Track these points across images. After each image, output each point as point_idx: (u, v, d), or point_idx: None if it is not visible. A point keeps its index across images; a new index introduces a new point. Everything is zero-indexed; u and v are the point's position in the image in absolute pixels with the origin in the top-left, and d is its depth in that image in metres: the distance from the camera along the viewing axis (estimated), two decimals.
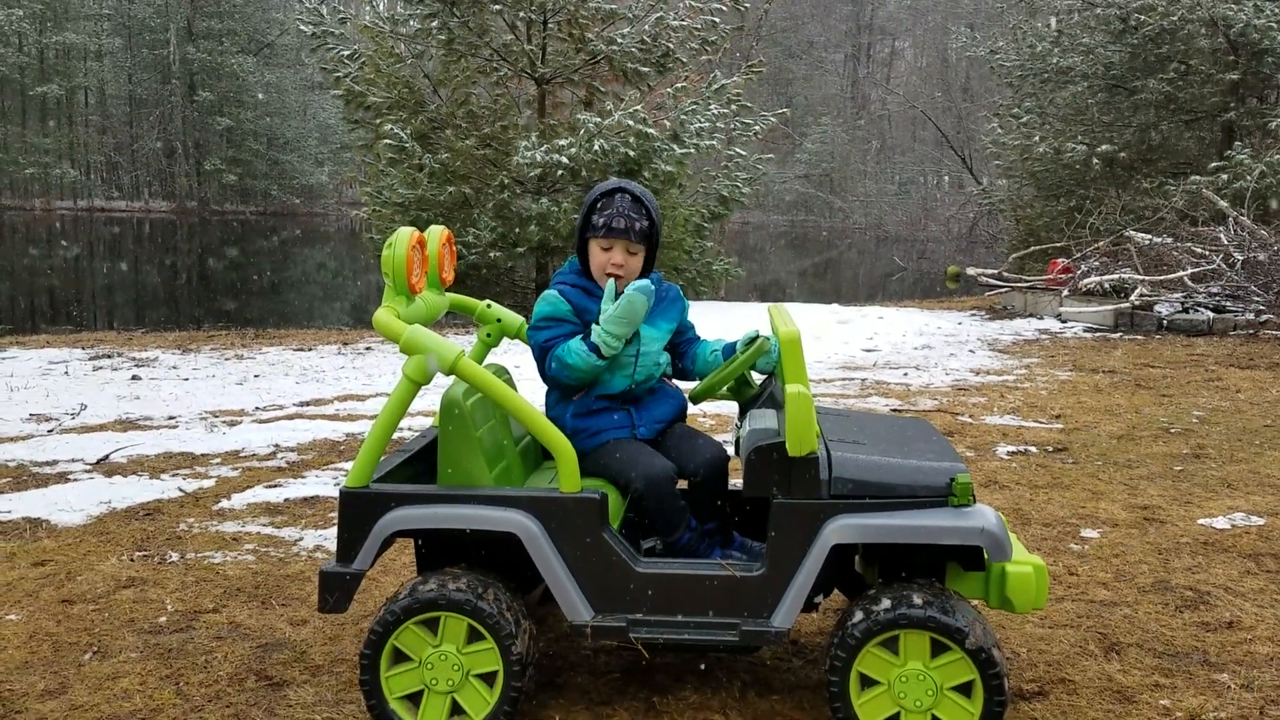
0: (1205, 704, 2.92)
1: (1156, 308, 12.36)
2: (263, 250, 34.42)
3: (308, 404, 7.76)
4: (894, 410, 7.27)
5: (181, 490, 5.21)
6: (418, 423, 6.66)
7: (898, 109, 56.14)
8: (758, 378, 3.28)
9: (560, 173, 12.63)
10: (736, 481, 3.00)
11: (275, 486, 5.27)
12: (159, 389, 8.31)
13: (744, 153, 16.22)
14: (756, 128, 15.86)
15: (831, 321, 13.11)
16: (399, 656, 2.72)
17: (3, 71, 47.23)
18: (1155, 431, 6.51)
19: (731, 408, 5.63)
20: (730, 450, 3.16)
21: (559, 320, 3.01)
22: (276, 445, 6.25)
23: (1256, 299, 12.36)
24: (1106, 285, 13.37)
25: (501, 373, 3.14)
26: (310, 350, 10.91)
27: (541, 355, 3.00)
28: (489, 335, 3.38)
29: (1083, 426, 6.70)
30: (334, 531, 3.56)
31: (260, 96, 51.62)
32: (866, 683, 2.62)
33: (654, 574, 2.71)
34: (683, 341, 3.27)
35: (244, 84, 51.05)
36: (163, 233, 40.57)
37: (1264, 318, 11.90)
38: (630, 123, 12.37)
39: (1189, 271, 12.92)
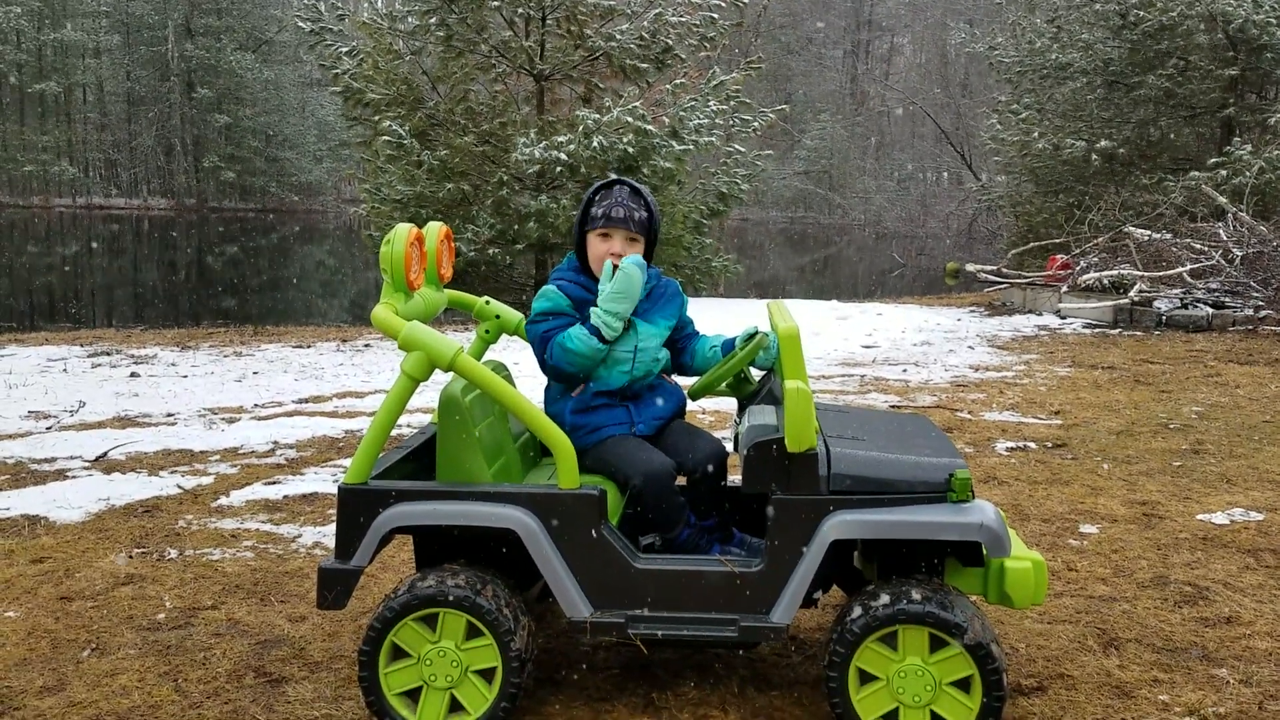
0: (1204, 699, 2.92)
1: (1156, 304, 12.36)
2: (261, 247, 34.39)
3: (306, 401, 7.76)
4: (893, 406, 7.27)
5: (180, 487, 5.21)
6: (417, 419, 6.66)
7: (897, 105, 56.10)
8: (757, 374, 3.27)
9: (559, 169, 12.62)
10: (736, 478, 3.00)
11: (274, 483, 5.27)
12: (158, 386, 8.31)
13: (743, 149, 16.20)
14: (755, 124, 15.84)
15: (831, 318, 13.12)
16: (398, 653, 2.72)
17: (1, 69, 47.15)
18: (1154, 427, 6.51)
19: (731, 404, 5.63)
20: (729, 446, 3.15)
21: (558, 314, 3.01)
22: (275, 442, 6.24)
23: (1256, 295, 12.36)
24: (1106, 281, 13.38)
25: (500, 369, 3.13)
26: (309, 347, 10.91)
27: (542, 345, 2.99)
28: (488, 332, 3.38)
29: (1082, 422, 6.70)
30: (333, 528, 3.56)
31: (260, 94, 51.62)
32: (865, 678, 2.62)
33: (653, 570, 2.71)
34: (682, 337, 3.27)
35: (242, 81, 50.99)
36: (161, 230, 40.51)
37: (1263, 314, 11.90)
38: (629, 119, 12.36)
39: (1188, 267, 12.92)
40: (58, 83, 50.05)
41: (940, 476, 2.65)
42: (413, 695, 2.73)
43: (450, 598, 2.66)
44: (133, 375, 8.81)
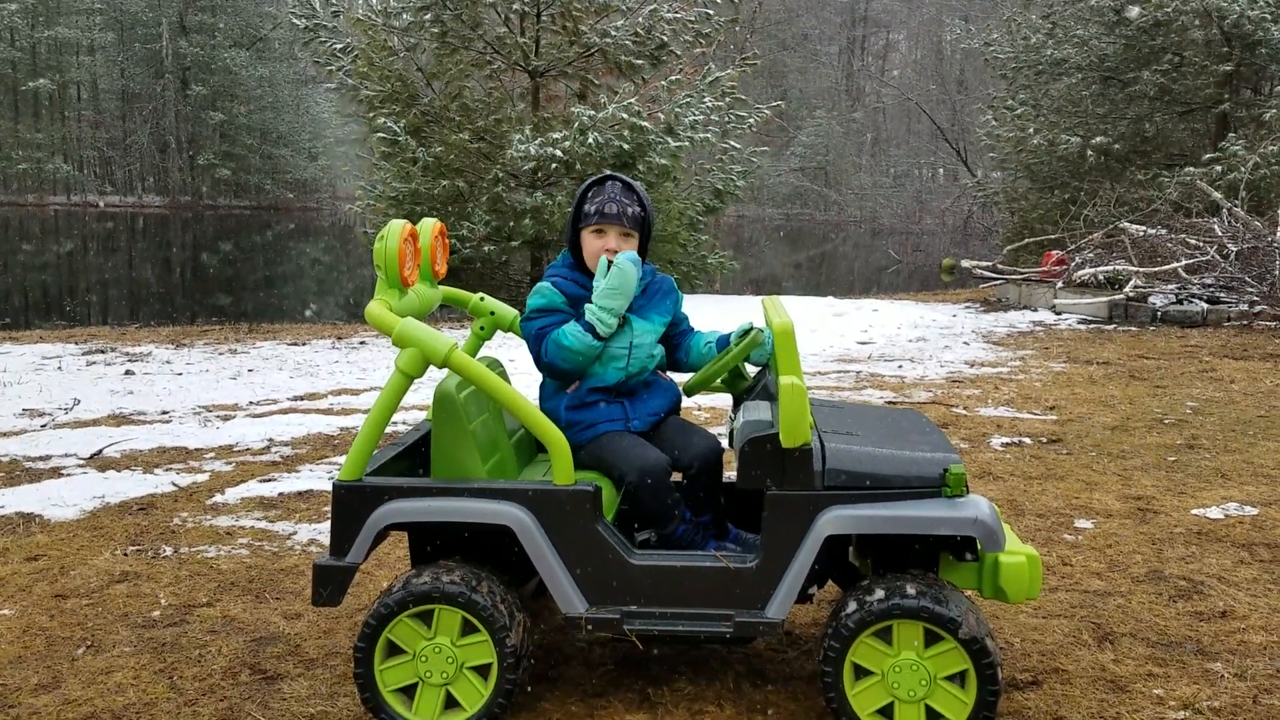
0: (1199, 693, 2.93)
1: (1151, 299, 12.38)
2: (256, 244, 34.33)
3: (301, 398, 7.75)
4: (888, 402, 7.28)
5: (175, 485, 5.20)
6: (411, 416, 6.65)
7: (892, 102, 56.13)
8: (752, 370, 3.27)
9: (554, 166, 12.61)
10: (731, 474, 3.00)
11: (269, 481, 5.26)
12: (152, 384, 8.29)
13: (738, 146, 16.21)
14: (751, 121, 15.85)
15: (826, 314, 13.13)
16: (393, 649, 2.72)
17: None
18: (1149, 422, 6.52)
19: (726, 400, 5.63)
20: (724, 442, 3.15)
21: (553, 310, 3.01)
22: (270, 439, 6.24)
23: (1250, 290, 12.38)
24: (1101, 277, 13.40)
25: (495, 366, 3.13)
26: (304, 344, 10.90)
27: (537, 342, 2.99)
28: (482, 328, 3.37)
29: (1077, 418, 6.71)
30: (328, 525, 3.56)
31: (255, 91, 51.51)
32: (860, 673, 2.62)
33: (648, 566, 2.71)
34: (677, 334, 3.27)
35: (237, 78, 50.90)
36: (156, 227, 40.44)
37: (1258, 309, 11.93)
38: (624, 116, 12.35)
39: (1183, 263, 12.94)
40: (52, 80, 49.94)
41: (935, 471, 2.65)
42: (408, 692, 2.73)
43: (445, 594, 2.66)
44: (127, 373, 8.79)
